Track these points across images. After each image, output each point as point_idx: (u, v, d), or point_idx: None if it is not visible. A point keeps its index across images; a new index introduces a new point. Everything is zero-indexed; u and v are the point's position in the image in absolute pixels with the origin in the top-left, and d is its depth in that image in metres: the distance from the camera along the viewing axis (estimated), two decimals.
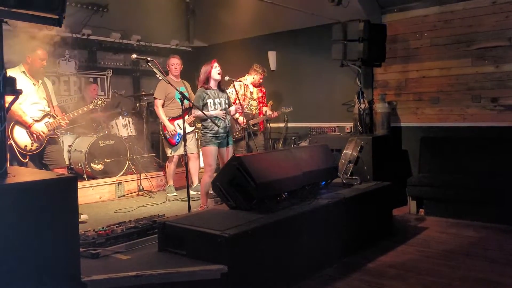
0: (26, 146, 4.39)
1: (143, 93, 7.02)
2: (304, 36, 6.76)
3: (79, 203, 2.44)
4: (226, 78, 4.76)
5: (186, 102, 4.38)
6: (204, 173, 4.81)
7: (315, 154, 4.23)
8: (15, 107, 4.26)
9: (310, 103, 6.70)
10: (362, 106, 5.59)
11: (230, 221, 3.06)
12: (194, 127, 6.05)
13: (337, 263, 3.59)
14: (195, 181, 6.13)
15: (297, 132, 6.85)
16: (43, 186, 2.20)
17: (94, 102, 5.13)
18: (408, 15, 5.81)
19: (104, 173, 6.09)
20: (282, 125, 6.85)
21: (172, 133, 5.91)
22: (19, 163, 4.34)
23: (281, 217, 3.24)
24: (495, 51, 5.19)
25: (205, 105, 4.67)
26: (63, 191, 2.24)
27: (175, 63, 6.04)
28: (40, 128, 4.43)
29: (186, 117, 5.51)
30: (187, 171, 4.29)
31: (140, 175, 6.27)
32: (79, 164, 5.92)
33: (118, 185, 6.12)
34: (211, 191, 4.68)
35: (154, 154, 7.06)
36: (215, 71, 4.68)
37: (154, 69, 4.21)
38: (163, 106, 5.97)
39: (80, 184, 5.34)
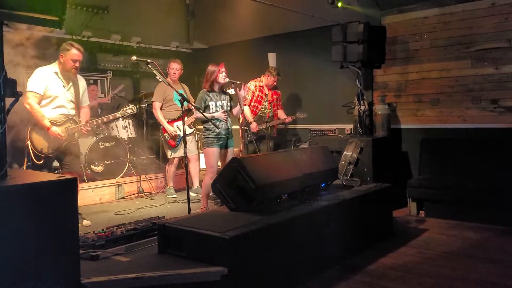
0: (42, 148, 4.32)
1: (143, 94, 7.02)
2: (304, 38, 6.77)
3: (79, 205, 2.44)
4: (227, 80, 4.76)
5: (185, 104, 4.37)
6: (205, 174, 4.81)
7: (315, 156, 4.23)
8: (35, 109, 4.21)
9: (310, 104, 6.70)
10: (362, 107, 5.60)
11: (230, 223, 3.05)
12: (193, 129, 6.05)
13: (338, 265, 3.58)
14: (196, 183, 6.13)
15: (297, 133, 6.85)
16: (42, 188, 2.19)
17: (123, 111, 4.89)
18: (407, 17, 5.82)
19: (104, 175, 6.08)
20: (282, 126, 6.85)
21: (173, 134, 5.91)
22: (33, 165, 4.30)
23: (282, 219, 3.23)
24: (494, 52, 5.20)
25: (206, 107, 4.68)
26: (62, 193, 2.24)
27: (174, 68, 6.01)
28: (58, 132, 4.30)
29: (186, 118, 5.51)
30: (187, 173, 4.28)
31: (140, 177, 6.27)
32: (79, 166, 5.91)
33: (118, 187, 6.11)
34: (212, 193, 4.68)
35: (154, 156, 7.06)
36: (222, 76, 4.70)
37: (154, 71, 4.22)
38: (161, 108, 5.98)
39: (80, 186, 5.33)
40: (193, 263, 2.81)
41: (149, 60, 4.19)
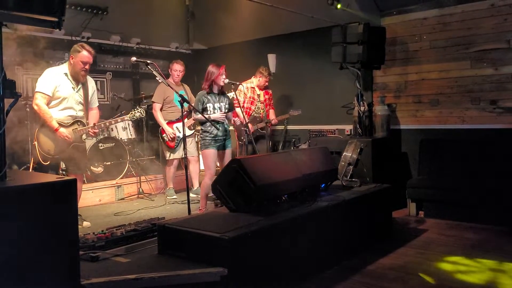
0: (49, 150, 4.30)
1: (142, 95, 7.03)
2: (304, 38, 6.77)
3: (79, 206, 2.44)
4: (226, 81, 4.76)
5: (185, 105, 4.37)
6: (204, 176, 4.81)
7: (315, 157, 4.23)
8: (43, 110, 4.20)
9: (309, 105, 6.70)
10: (362, 108, 5.60)
11: (230, 224, 3.05)
12: (193, 130, 6.04)
13: (337, 265, 3.58)
14: (196, 184, 6.13)
15: (297, 134, 6.85)
16: (42, 189, 2.19)
17: (131, 114, 4.85)
18: (407, 18, 5.82)
19: (104, 176, 6.08)
20: (281, 127, 6.85)
21: (171, 136, 5.91)
22: (39, 165, 4.29)
23: (281, 220, 3.23)
24: (494, 53, 5.20)
25: (204, 109, 4.68)
26: (62, 194, 2.24)
27: (178, 70, 6.02)
28: (66, 133, 4.28)
29: (185, 120, 5.50)
30: (187, 174, 4.29)
31: (139, 178, 6.27)
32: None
33: (117, 188, 6.11)
34: (211, 194, 4.68)
35: (154, 157, 7.06)
36: (221, 78, 4.70)
37: (154, 72, 4.22)
38: (161, 109, 5.98)
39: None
40: (193, 264, 2.81)
41: (148, 61, 4.19)
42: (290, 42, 6.92)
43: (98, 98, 6.71)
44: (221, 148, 4.77)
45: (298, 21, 6.32)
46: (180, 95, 4.26)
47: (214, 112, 4.70)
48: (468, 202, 4.85)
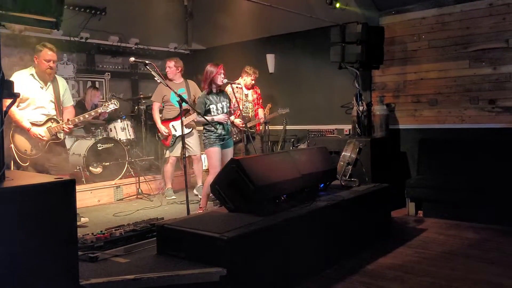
0: (26, 150, 4.31)
1: (141, 96, 7.02)
2: (303, 38, 6.78)
3: (78, 206, 2.43)
4: (225, 81, 4.76)
5: (184, 104, 4.36)
6: (209, 174, 4.80)
7: (314, 157, 4.23)
8: (12, 111, 4.18)
9: (308, 105, 6.71)
10: (361, 108, 5.60)
11: (229, 224, 3.05)
12: (191, 129, 6.00)
13: (336, 265, 3.58)
14: (199, 182, 6.12)
15: (296, 134, 6.86)
16: (40, 189, 2.19)
17: (105, 106, 4.85)
18: (405, 18, 5.83)
19: (103, 177, 6.07)
20: (280, 127, 6.85)
21: (164, 135, 5.93)
22: (18, 168, 4.27)
23: (280, 220, 3.23)
24: (492, 53, 5.21)
25: (208, 110, 4.67)
26: (61, 194, 2.24)
27: (167, 66, 6.04)
28: (40, 132, 4.31)
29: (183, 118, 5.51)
30: (186, 174, 4.28)
31: (138, 178, 6.26)
32: (78, 168, 5.90)
33: (116, 188, 6.11)
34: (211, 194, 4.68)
35: (153, 157, 7.05)
36: (220, 77, 4.70)
37: (152, 72, 4.22)
38: (162, 108, 6.01)
39: (78, 187, 5.33)
40: (192, 264, 2.81)
41: (147, 61, 4.18)
42: (289, 42, 6.92)
43: (97, 98, 6.78)
44: (224, 147, 4.78)
45: (297, 21, 6.32)
46: (179, 95, 4.26)
47: (217, 113, 4.70)
48: (467, 201, 4.86)
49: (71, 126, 4.53)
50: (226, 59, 6.26)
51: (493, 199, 4.71)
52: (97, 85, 7.22)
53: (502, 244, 4.08)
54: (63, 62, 6.92)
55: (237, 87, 6.09)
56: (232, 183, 3.39)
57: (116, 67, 7.69)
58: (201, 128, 4.89)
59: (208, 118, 4.59)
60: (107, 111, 4.99)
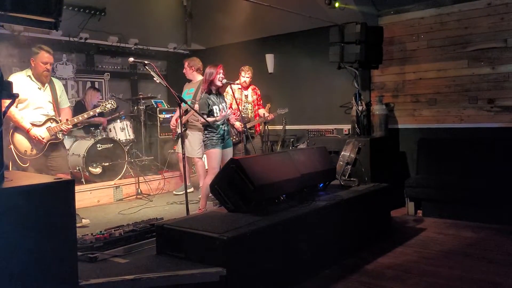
0: (26, 151, 4.32)
1: (140, 96, 7.02)
2: (302, 38, 6.78)
3: (77, 207, 2.43)
4: (224, 81, 4.76)
5: (183, 104, 4.36)
6: (207, 175, 4.80)
7: (313, 156, 4.23)
8: (12, 112, 4.20)
9: (308, 105, 6.71)
10: (360, 108, 5.61)
11: (228, 224, 3.05)
12: (185, 129, 5.96)
13: (336, 265, 3.59)
14: (201, 182, 6.12)
15: (295, 134, 6.86)
16: (40, 190, 2.19)
17: (103, 106, 4.85)
18: (404, 18, 5.83)
19: (102, 177, 6.08)
20: (280, 127, 6.86)
21: (171, 127, 6.20)
22: (18, 168, 4.28)
23: (280, 220, 3.24)
24: (491, 52, 5.22)
25: (210, 111, 4.67)
26: (60, 195, 2.24)
27: (184, 68, 6.15)
28: (39, 132, 4.33)
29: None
30: (185, 173, 4.28)
31: (138, 179, 6.27)
32: (77, 168, 5.91)
33: (116, 188, 6.11)
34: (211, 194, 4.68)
35: (152, 157, 7.06)
36: (219, 78, 4.70)
37: (152, 72, 4.22)
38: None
39: (78, 188, 5.33)
40: (191, 264, 2.81)
41: (146, 62, 4.18)
42: (288, 42, 6.93)
43: (97, 99, 6.79)
44: (225, 147, 4.79)
45: (296, 21, 6.32)
46: (178, 96, 4.27)
47: (219, 114, 4.71)
48: (467, 201, 4.86)
49: (70, 126, 4.56)
50: (225, 59, 6.28)
51: (492, 199, 4.71)
52: (96, 86, 7.22)
53: (501, 244, 4.08)
54: (62, 62, 6.92)
55: (238, 88, 6.10)
56: (231, 183, 3.39)
57: (115, 67, 7.69)
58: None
59: (211, 119, 4.58)
60: (104, 111, 4.98)
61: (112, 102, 4.93)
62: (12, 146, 4.28)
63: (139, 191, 6.21)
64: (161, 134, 7.10)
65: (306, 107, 6.71)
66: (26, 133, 4.30)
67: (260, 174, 3.42)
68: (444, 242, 4.19)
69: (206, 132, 4.72)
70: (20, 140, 4.32)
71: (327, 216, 3.63)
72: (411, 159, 5.79)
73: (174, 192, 6.46)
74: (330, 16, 5.80)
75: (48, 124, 4.43)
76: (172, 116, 6.49)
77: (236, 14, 6.83)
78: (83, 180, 5.89)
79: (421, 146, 5.63)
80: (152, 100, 7.32)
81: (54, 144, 4.47)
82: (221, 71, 4.72)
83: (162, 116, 7.14)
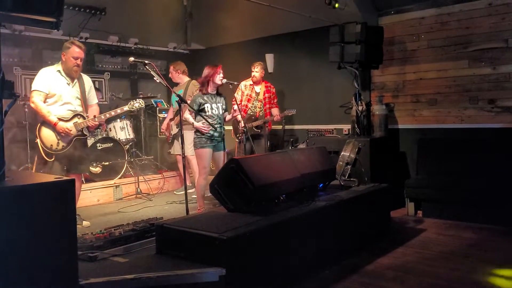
0: (52, 145, 4.31)
1: (140, 95, 7.02)
2: (302, 38, 6.78)
3: (77, 206, 2.43)
4: (224, 80, 4.76)
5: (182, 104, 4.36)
6: (198, 175, 4.80)
7: (313, 156, 4.23)
8: (39, 106, 4.24)
9: (307, 105, 6.71)
10: (360, 108, 5.61)
11: (228, 224, 3.05)
12: (178, 129, 5.97)
13: (336, 265, 3.58)
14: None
15: (295, 134, 6.86)
16: (40, 189, 2.19)
17: (131, 104, 4.73)
18: (404, 17, 5.83)
19: (102, 176, 6.08)
20: (279, 127, 6.85)
21: (162, 130, 6.31)
22: (44, 163, 4.30)
23: (279, 219, 3.24)
24: (491, 52, 5.21)
25: (202, 110, 4.67)
26: (60, 194, 2.24)
27: (169, 72, 6.26)
28: (67, 126, 4.31)
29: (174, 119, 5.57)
30: (185, 174, 4.29)
31: (138, 178, 6.27)
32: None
33: (116, 188, 6.11)
34: (207, 194, 4.69)
35: (152, 156, 7.06)
36: (219, 77, 4.71)
37: (152, 72, 4.23)
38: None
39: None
40: (191, 264, 2.81)
41: (146, 61, 4.19)
42: (288, 42, 6.93)
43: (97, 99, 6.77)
44: (218, 149, 4.77)
45: (296, 21, 6.32)
46: (178, 95, 4.27)
47: (212, 113, 4.69)
48: (467, 201, 4.86)
49: (97, 122, 4.52)
50: (225, 59, 6.28)
51: (492, 200, 4.71)
52: (96, 85, 7.21)
53: (502, 244, 4.08)
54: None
55: (250, 84, 6.11)
56: (231, 183, 3.39)
57: (115, 66, 7.69)
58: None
59: (196, 123, 4.66)
60: (132, 109, 4.85)
61: (140, 101, 4.80)
62: (38, 140, 4.29)
63: (138, 190, 6.22)
64: (160, 134, 7.11)
65: (306, 107, 6.70)
66: (53, 127, 4.28)
67: (260, 174, 3.42)
68: (444, 243, 4.19)
69: (195, 130, 4.75)
70: (47, 134, 4.31)
71: (327, 216, 3.63)
72: (411, 159, 5.79)
73: (174, 191, 6.47)
74: (330, 16, 5.80)
75: (75, 119, 4.41)
76: (164, 119, 6.53)
77: (236, 14, 6.83)
78: (83, 179, 5.89)
79: (421, 146, 5.63)
80: (152, 100, 7.32)
81: (80, 141, 4.45)
82: (221, 71, 4.73)
83: (162, 115, 7.15)
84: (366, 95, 6.02)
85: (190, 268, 2.74)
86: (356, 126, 5.63)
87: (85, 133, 4.48)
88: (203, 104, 4.68)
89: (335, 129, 6.45)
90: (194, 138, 4.76)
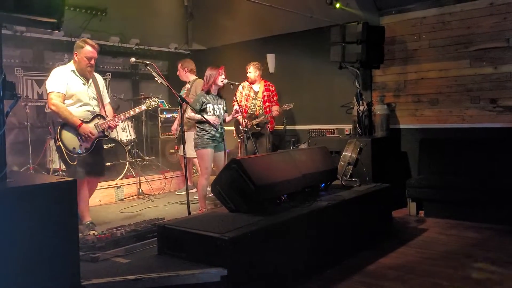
0: (74, 148, 4.13)
1: (142, 96, 7.03)
2: (303, 38, 6.77)
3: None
4: (225, 81, 4.77)
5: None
6: (200, 176, 4.80)
7: (315, 156, 4.23)
8: (60, 108, 4.04)
9: (309, 105, 6.70)
10: (361, 108, 5.60)
11: (229, 224, 3.05)
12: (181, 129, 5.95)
13: (337, 265, 3.58)
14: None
15: (296, 134, 6.86)
16: (42, 190, 2.20)
17: (148, 103, 4.63)
18: (406, 17, 5.83)
19: (103, 177, 6.07)
20: (281, 127, 6.85)
21: (172, 131, 6.28)
22: (67, 166, 4.17)
23: (281, 220, 3.24)
24: (493, 52, 5.20)
25: (203, 109, 4.67)
26: (62, 195, 2.24)
27: (178, 69, 6.21)
28: (89, 129, 4.16)
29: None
30: (187, 174, 4.28)
31: (139, 179, 6.27)
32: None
33: (117, 188, 6.11)
34: (209, 194, 4.69)
35: (154, 157, 7.06)
36: (221, 78, 4.71)
37: (153, 73, 4.22)
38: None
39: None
40: (193, 264, 2.81)
41: (148, 62, 4.18)
42: (289, 42, 6.92)
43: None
44: (219, 149, 4.78)
45: (297, 21, 6.32)
46: (178, 95, 4.27)
47: (213, 114, 4.69)
48: (469, 201, 4.85)
49: (117, 123, 4.44)
50: (226, 59, 6.28)
51: (494, 199, 4.70)
52: None
53: (504, 244, 4.07)
54: (64, 62, 6.92)
55: (248, 84, 6.11)
56: (232, 183, 3.40)
57: (116, 67, 7.69)
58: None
59: (198, 116, 4.57)
60: (149, 108, 4.79)
61: (156, 100, 4.74)
62: (60, 143, 4.10)
63: (140, 191, 6.22)
64: (162, 134, 7.11)
65: (307, 107, 6.70)
66: (75, 129, 4.10)
67: (262, 174, 3.42)
68: (446, 242, 4.18)
69: (198, 130, 4.71)
70: (69, 137, 4.12)
71: (329, 216, 3.63)
72: (412, 159, 5.78)
73: (176, 192, 6.46)
74: (331, 16, 5.80)
75: (96, 121, 4.27)
76: (174, 118, 6.54)
77: (237, 14, 6.83)
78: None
79: (423, 146, 5.62)
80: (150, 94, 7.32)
81: (100, 142, 4.34)
82: (223, 72, 4.73)
83: (163, 116, 7.16)
84: (367, 95, 6.02)
85: (192, 269, 2.74)
86: (357, 126, 5.62)
87: (106, 134, 4.36)
88: (206, 104, 4.68)
89: (336, 129, 6.45)
90: (195, 139, 4.73)
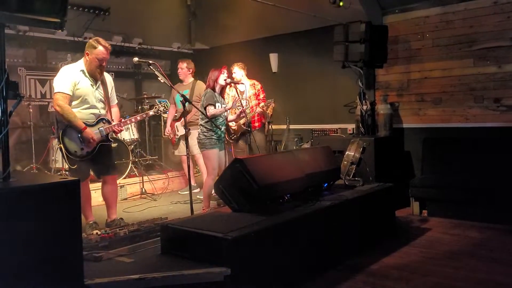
0: (76, 151, 4.05)
1: (145, 95, 7.04)
2: (306, 38, 6.77)
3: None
4: (228, 80, 4.78)
5: (186, 104, 4.36)
6: (207, 176, 4.80)
7: (318, 156, 4.23)
8: (65, 110, 3.93)
9: (312, 104, 6.70)
10: (364, 107, 5.59)
11: (233, 224, 3.05)
12: (188, 129, 5.96)
13: (340, 265, 3.58)
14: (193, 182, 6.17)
15: (299, 133, 6.85)
16: (45, 189, 2.20)
17: (156, 108, 4.57)
18: (409, 16, 5.81)
19: None
20: (284, 126, 6.85)
21: (166, 134, 6.23)
22: (70, 170, 4.11)
23: (284, 219, 3.23)
24: (497, 51, 5.18)
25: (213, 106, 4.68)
26: (65, 194, 2.24)
27: (179, 67, 6.17)
28: (92, 134, 4.04)
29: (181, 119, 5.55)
30: (189, 174, 4.28)
31: (142, 178, 6.28)
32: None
33: (120, 188, 6.12)
34: (213, 194, 4.69)
35: (157, 157, 7.07)
36: (222, 77, 4.72)
37: (156, 72, 4.22)
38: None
39: None
40: (196, 264, 2.81)
41: (150, 61, 4.17)
42: (292, 41, 6.91)
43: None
44: (222, 148, 4.81)
45: (300, 20, 6.31)
46: (182, 95, 4.27)
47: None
48: (472, 201, 4.84)
49: (122, 128, 4.33)
50: (229, 59, 6.27)
51: (497, 199, 4.69)
52: None
53: (507, 244, 4.06)
54: (67, 62, 6.94)
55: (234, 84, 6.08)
56: (235, 182, 3.39)
57: (119, 67, 7.71)
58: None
59: (220, 110, 4.60)
60: (157, 113, 4.77)
61: (165, 105, 4.70)
62: (62, 146, 4.02)
63: (143, 190, 6.23)
64: (165, 134, 7.10)
65: (310, 107, 6.69)
66: (79, 132, 4.01)
67: (265, 174, 3.42)
68: (450, 242, 4.17)
69: (205, 130, 4.68)
70: (71, 140, 4.04)
71: (332, 216, 3.62)
72: (416, 158, 5.77)
73: (179, 191, 6.47)
74: (334, 15, 5.78)
75: (101, 124, 4.17)
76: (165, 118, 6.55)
77: (240, 13, 6.83)
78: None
79: (426, 145, 5.61)
80: (156, 100, 7.33)
81: (105, 146, 4.20)
82: (225, 71, 4.74)
83: (166, 115, 7.15)
84: (370, 94, 6.00)
85: (195, 268, 2.74)
86: (360, 125, 5.61)
87: (110, 138, 4.25)
88: (215, 101, 4.69)
89: (339, 128, 6.44)
90: (202, 139, 4.68)
